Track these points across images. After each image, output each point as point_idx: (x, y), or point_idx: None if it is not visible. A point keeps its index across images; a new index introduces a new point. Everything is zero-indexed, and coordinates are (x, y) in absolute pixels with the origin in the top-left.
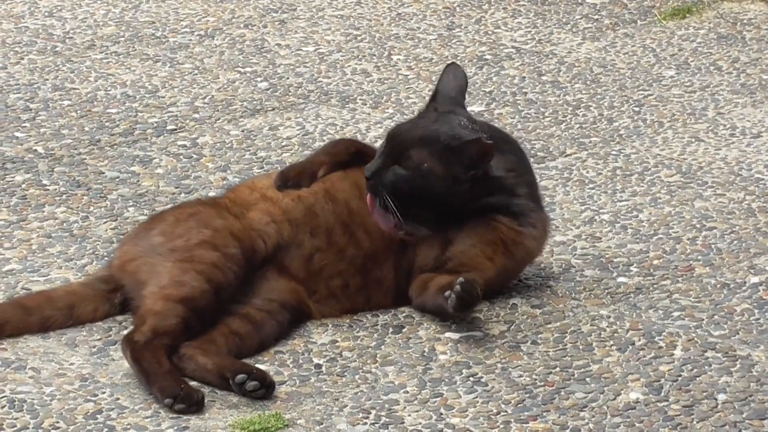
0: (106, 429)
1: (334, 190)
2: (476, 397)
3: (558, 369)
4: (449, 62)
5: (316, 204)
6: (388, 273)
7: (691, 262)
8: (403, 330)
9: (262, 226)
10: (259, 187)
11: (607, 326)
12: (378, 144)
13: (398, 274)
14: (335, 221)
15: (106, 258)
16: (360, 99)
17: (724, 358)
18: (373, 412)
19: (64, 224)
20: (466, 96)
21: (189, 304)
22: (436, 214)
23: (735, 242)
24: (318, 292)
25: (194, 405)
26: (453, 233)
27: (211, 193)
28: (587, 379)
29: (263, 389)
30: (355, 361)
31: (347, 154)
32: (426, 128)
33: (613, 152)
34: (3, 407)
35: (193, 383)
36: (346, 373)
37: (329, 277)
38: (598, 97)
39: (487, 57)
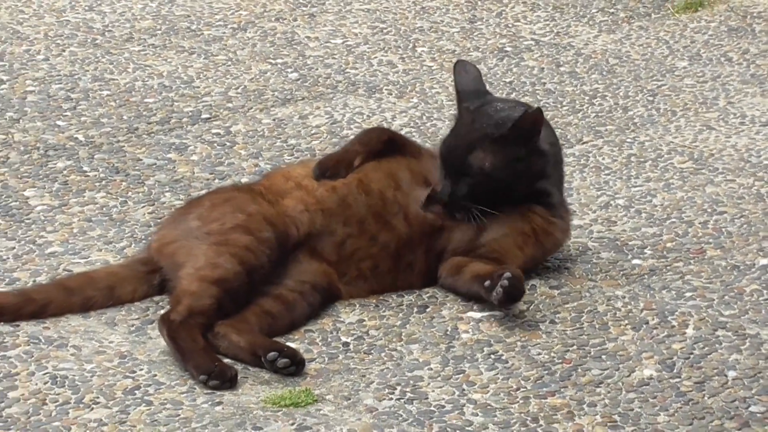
0: (143, 404)
1: (368, 180)
2: (497, 373)
3: (575, 347)
4: (456, 60)
5: (349, 195)
6: (421, 256)
7: (702, 244)
8: (427, 310)
9: (296, 214)
10: (294, 176)
11: (622, 306)
12: (404, 132)
13: (429, 257)
14: (368, 212)
15: (143, 241)
16: (386, 89)
17: (734, 337)
18: (399, 388)
19: (104, 209)
20: (486, 85)
21: (223, 285)
22: (505, 198)
23: (745, 226)
24: (348, 274)
25: (228, 381)
26: (488, 220)
27: (244, 179)
28: (603, 357)
29: (294, 366)
30: (381, 339)
31: (380, 143)
32: (470, 132)
33: (628, 140)
34: (46, 383)
35: (226, 360)
36: (372, 351)
37: (360, 259)
38: (614, 87)
39: (508, 49)
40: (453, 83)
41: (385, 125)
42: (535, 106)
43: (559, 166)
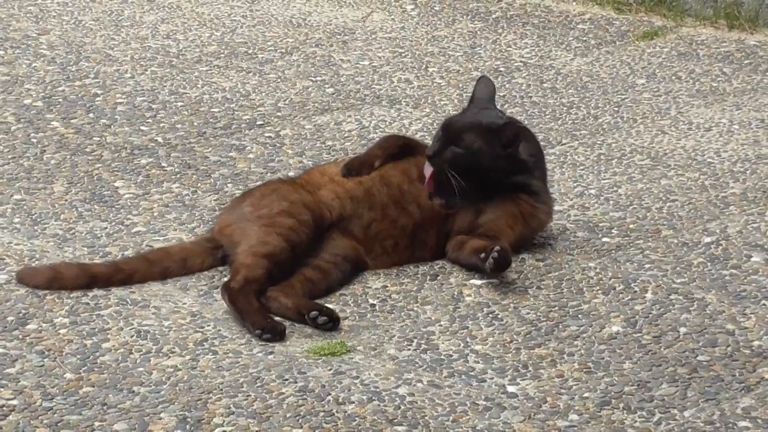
0: (210, 353)
1: (388, 176)
2: (494, 329)
3: (557, 308)
4: (481, 75)
5: (373, 187)
6: (432, 236)
7: (658, 226)
8: (438, 278)
9: (329, 201)
10: (328, 172)
11: (594, 275)
12: (418, 136)
13: (439, 236)
14: (389, 199)
15: (210, 223)
16: (404, 101)
17: (685, 300)
18: (415, 340)
19: (178, 197)
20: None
21: (272, 259)
22: (480, 187)
23: (692, 211)
24: (373, 251)
25: (278, 335)
26: (484, 206)
27: (291, 174)
28: (579, 316)
29: (331, 323)
30: (401, 301)
31: (396, 147)
32: (472, 117)
33: (598, 142)
34: (132, 336)
35: (277, 318)
36: (394, 311)
37: (383, 239)
38: (587, 99)
39: (501, 69)
40: (472, 90)
41: (404, 130)
42: (524, 123)
43: (542, 166)
